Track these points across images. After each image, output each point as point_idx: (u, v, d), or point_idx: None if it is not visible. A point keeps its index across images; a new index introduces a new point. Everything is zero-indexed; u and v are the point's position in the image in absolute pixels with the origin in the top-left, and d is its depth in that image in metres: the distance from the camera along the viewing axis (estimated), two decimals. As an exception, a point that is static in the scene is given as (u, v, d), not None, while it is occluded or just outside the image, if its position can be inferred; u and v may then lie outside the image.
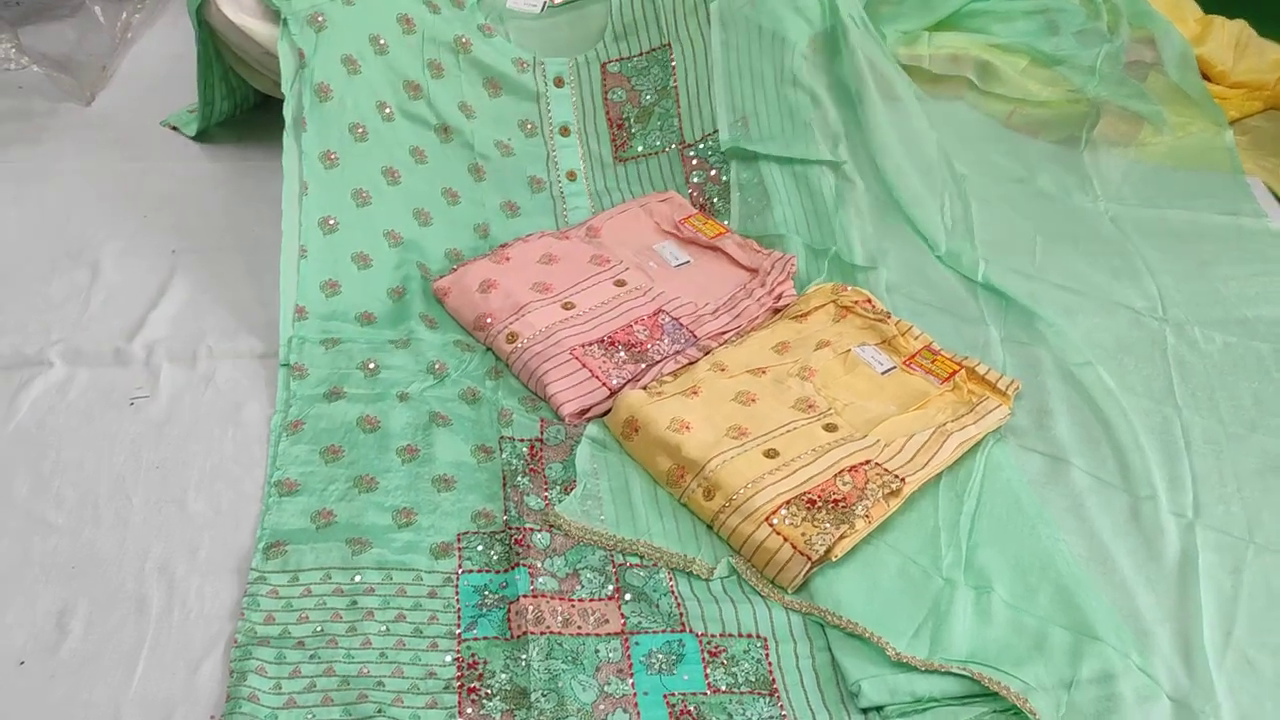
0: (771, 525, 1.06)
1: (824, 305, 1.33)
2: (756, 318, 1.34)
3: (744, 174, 1.50)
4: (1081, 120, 1.68)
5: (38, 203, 1.50)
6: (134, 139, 1.63)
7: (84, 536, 1.07)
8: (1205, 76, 1.77)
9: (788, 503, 1.08)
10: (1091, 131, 1.67)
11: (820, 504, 1.07)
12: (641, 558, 1.08)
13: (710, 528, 1.11)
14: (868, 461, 1.12)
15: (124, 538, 1.07)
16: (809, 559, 1.04)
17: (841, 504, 1.07)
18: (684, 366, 1.26)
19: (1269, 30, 1.81)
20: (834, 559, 1.05)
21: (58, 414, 1.19)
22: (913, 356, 1.27)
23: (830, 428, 1.17)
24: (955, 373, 1.24)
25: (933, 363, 1.26)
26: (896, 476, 1.11)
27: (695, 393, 1.20)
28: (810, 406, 1.20)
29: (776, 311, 1.36)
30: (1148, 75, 1.74)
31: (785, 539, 1.05)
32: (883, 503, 1.09)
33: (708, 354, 1.27)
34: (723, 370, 1.24)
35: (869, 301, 1.33)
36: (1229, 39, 1.77)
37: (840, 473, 1.11)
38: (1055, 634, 1.00)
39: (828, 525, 1.05)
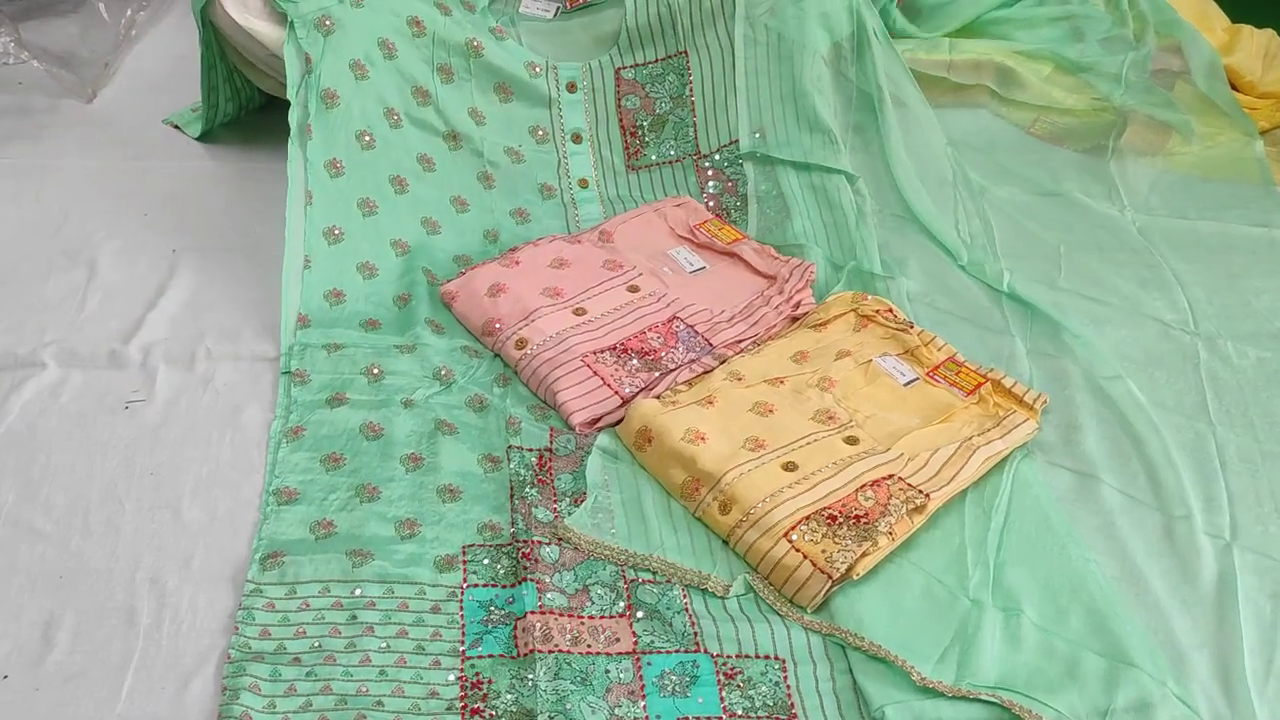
0: (790, 541, 1.02)
1: (844, 314, 1.29)
2: (774, 326, 1.30)
3: (762, 185, 1.47)
4: (1108, 129, 1.66)
5: (36, 200, 1.48)
6: (135, 137, 1.61)
7: (73, 545, 1.04)
8: (1233, 86, 1.74)
9: (807, 518, 1.04)
10: (1118, 140, 1.65)
11: (841, 520, 1.04)
12: (654, 574, 1.04)
13: (726, 543, 1.07)
14: (890, 476, 1.09)
15: (115, 546, 1.04)
16: (829, 577, 1.00)
17: (864, 520, 1.03)
18: (699, 376, 1.22)
19: (1299, 40, 1.78)
20: (855, 577, 1.02)
21: (49, 417, 1.17)
22: (936, 368, 1.23)
23: (851, 440, 1.14)
24: (980, 385, 1.20)
25: (957, 375, 1.22)
26: (921, 492, 1.07)
27: (711, 402, 1.16)
28: (830, 418, 1.16)
29: (794, 320, 1.32)
30: (1175, 84, 1.72)
31: (805, 556, 1.01)
32: (906, 519, 1.05)
33: (724, 363, 1.24)
34: (739, 380, 1.20)
35: (890, 311, 1.29)
36: (1258, 49, 1.75)
37: (862, 487, 1.07)
38: (1088, 659, 0.96)
39: (849, 542, 1.02)
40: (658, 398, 1.18)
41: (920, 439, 1.14)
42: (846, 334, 1.28)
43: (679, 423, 1.13)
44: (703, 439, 1.12)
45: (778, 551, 1.02)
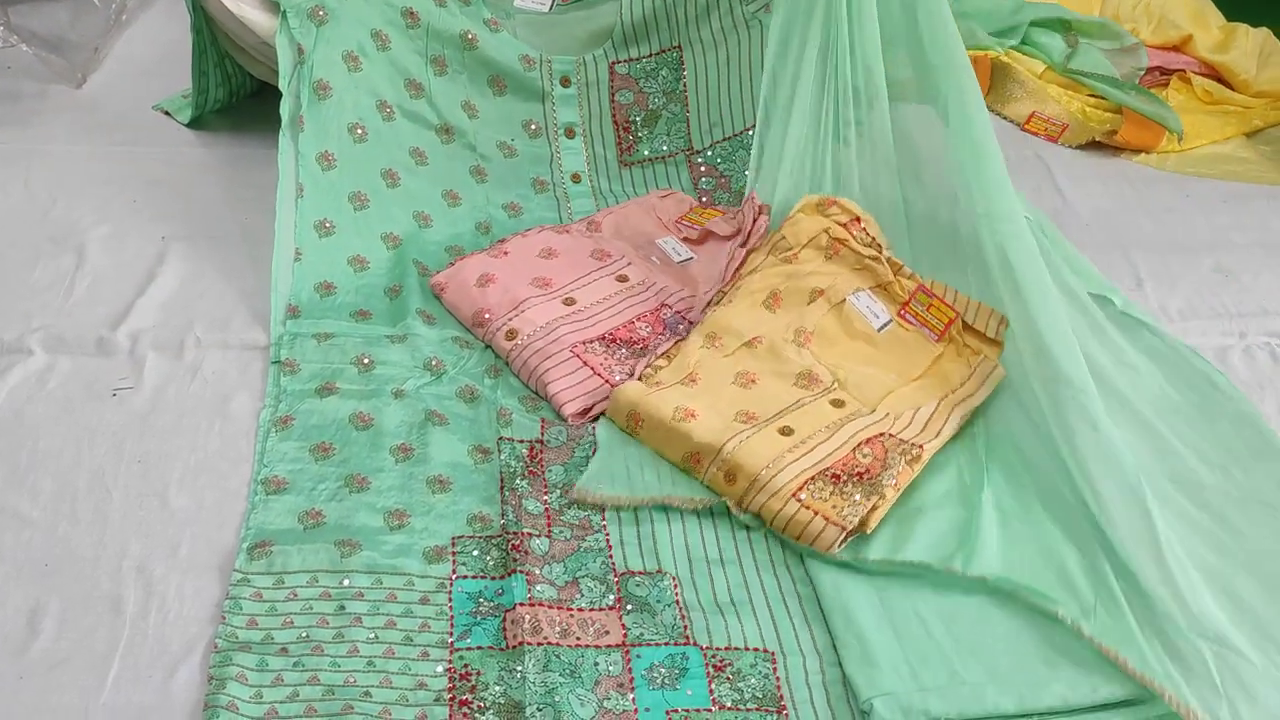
0: (800, 500, 1.05)
1: (815, 237, 1.29)
2: (738, 264, 1.31)
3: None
4: (1102, 125, 1.65)
5: (24, 186, 1.47)
6: (125, 123, 1.60)
7: (59, 532, 1.03)
8: (1227, 85, 1.74)
9: (812, 479, 1.07)
10: (1112, 138, 1.64)
11: (845, 478, 1.07)
12: (668, 511, 1.07)
13: (733, 509, 1.09)
14: (883, 434, 1.12)
15: (101, 534, 1.03)
16: (843, 528, 1.03)
17: (866, 476, 1.07)
18: (674, 344, 1.22)
19: (1293, 40, 1.79)
20: (868, 531, 1.05)
21: (36, 404, 1.16)
22: (907, 303, 1.25)
23: (837, 403, 1.16)
24: (950, 323, 1.22)
25: (928, 310, 1.24)
26: (914, 444, 1.11)
27: (694, 380, 1.17)
28: (813, 380, 1.18)
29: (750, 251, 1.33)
30: (1169, 83, 1.72)
31: (816, 512, 1.04)
32: (907, 469, 1.09)
33: (697, 325, 1.24)
34: (716, 344, 1.21)
35: (858, 221, 1.29)
36: (1252, 48, 1.75)
37: (859, 446, 1.10)
38: (1072, 559, 1.02)
39: (857, 497, 1.05)
40: (639, 378, 1.18)
41: (902, 399, 1.17)
42: (818, 264, 1.28)
43: (666, 403, 1.14)
44: (693, 415, 1.13)
45: (789, 510, 1.05)
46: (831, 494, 1.05)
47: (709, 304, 1.27)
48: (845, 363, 1.21)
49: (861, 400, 1.17)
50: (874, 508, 1.04)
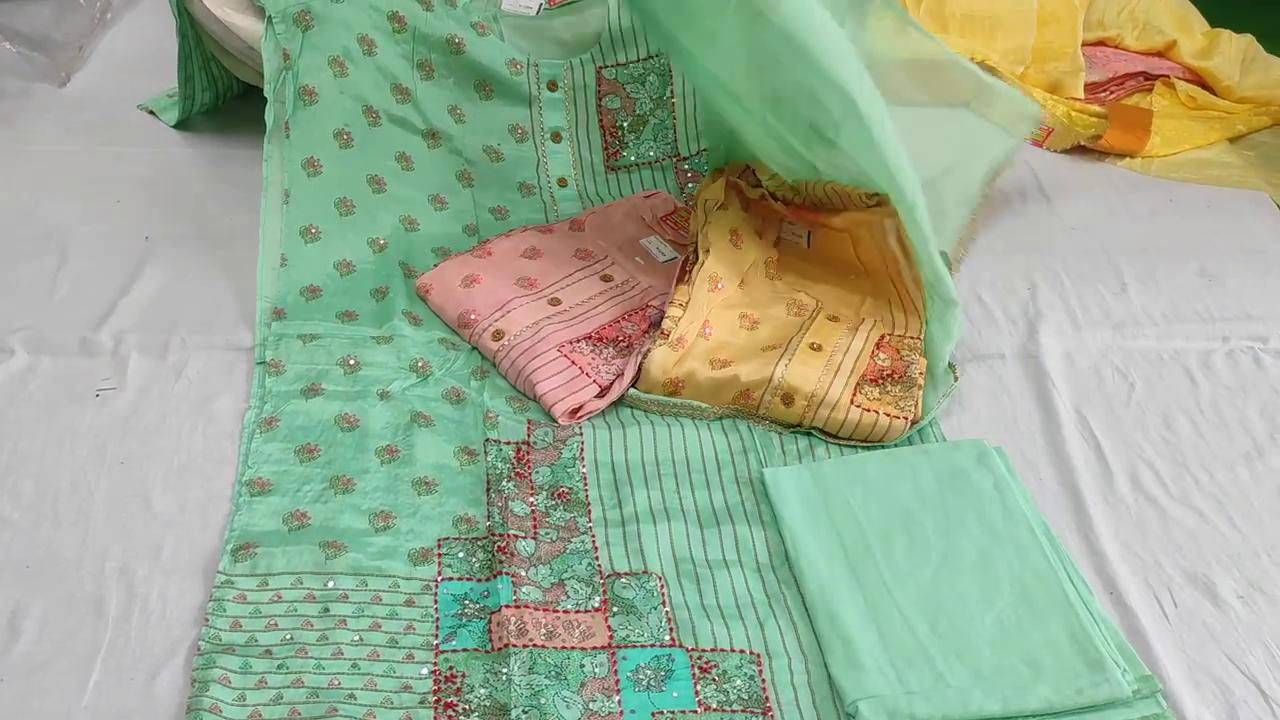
0: (859, 405, 1.16)
1: (726, 192, 1.37)
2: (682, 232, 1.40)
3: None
4: (1086, 130, 1.66)
5: (6, 185, 1.46)
6: (110, 122, 1.60)
7: (41, 533, 1.03)
8: (1211, 91, 1.75)
9: (858, 385, 1.17)
10: (1096, 143, 1.65)
11: (881, 380, 1.18)
12: (654, 512, 1.08)
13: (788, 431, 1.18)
14: (883, 335, 1.23)
15: (84, 536, 1.03)
16: (907, 420, 1.16)
17: (895, 375, 1.19)
18: (679, 288, 1.26)
19: (1276, 45, 1.79)
20: (921, 421, 1.18)
21: (18, 405, 1.15)
22: (804, 213, 1.34)
23: (833, 318, 1.26)
24: (840, 195, 1.29)
25: (820, 197, 1.32)
26: (908, 336, 1.24)
27: (708, 332, 1.24)
28: (801, 308, 1.28)
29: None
30: (1154, 88, 1.72)
31: (878, 412, 1.16)
32: (920, 359, 1.22)
33: (685, 274, 1.28)
34: (717, 286, 1.27)
35: (749, 172, 1.38)
36: (1236, 54, 1.75)
37: (874, 352, 1.21)
38: None
39: (900, 391, 1.18)
40: (660, 346, 1.20)
41: (873, 305, 1.28)
42: (739, 213, 1.36)
43: (700, 360, 1.21)
44: (728, 362, 1.21)
45: (853, 417, 1.16)
46: (881, 394, 1.17)
47: (685, 263, 1.31)
48: (812, 279, 1.32)
49: (844, 314, 1.27)
50: (916, 399, 1.18)
